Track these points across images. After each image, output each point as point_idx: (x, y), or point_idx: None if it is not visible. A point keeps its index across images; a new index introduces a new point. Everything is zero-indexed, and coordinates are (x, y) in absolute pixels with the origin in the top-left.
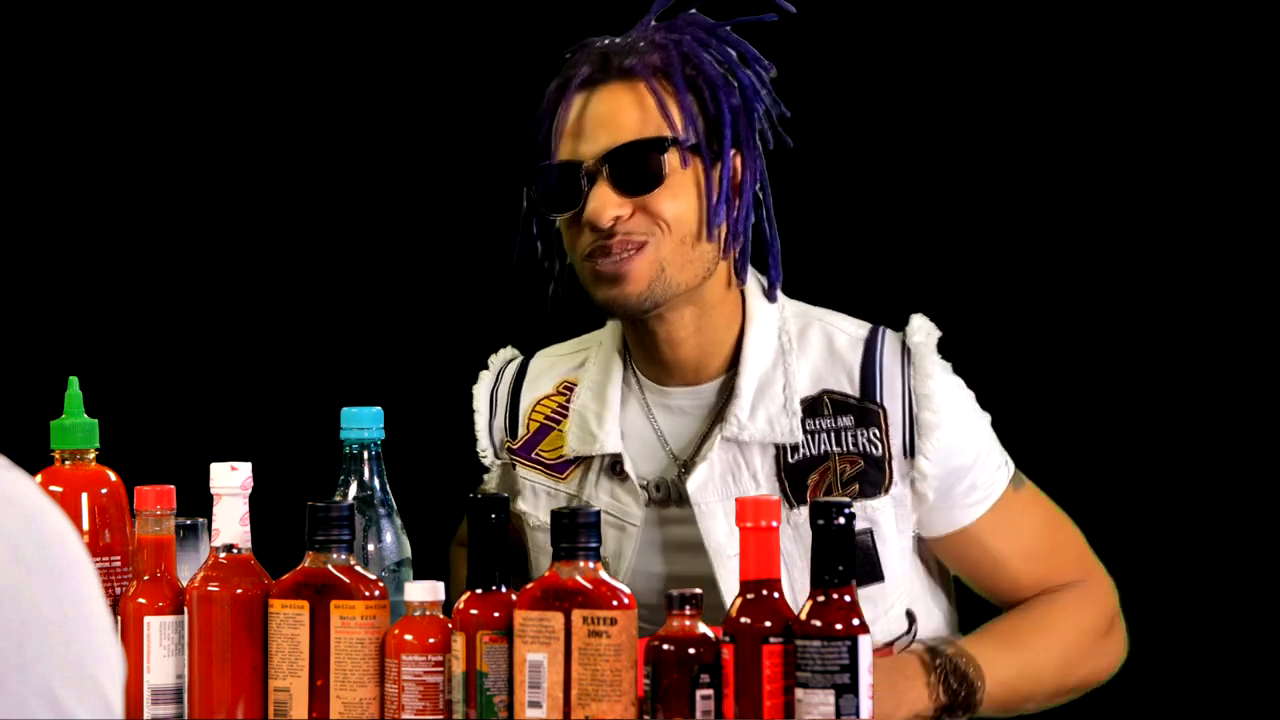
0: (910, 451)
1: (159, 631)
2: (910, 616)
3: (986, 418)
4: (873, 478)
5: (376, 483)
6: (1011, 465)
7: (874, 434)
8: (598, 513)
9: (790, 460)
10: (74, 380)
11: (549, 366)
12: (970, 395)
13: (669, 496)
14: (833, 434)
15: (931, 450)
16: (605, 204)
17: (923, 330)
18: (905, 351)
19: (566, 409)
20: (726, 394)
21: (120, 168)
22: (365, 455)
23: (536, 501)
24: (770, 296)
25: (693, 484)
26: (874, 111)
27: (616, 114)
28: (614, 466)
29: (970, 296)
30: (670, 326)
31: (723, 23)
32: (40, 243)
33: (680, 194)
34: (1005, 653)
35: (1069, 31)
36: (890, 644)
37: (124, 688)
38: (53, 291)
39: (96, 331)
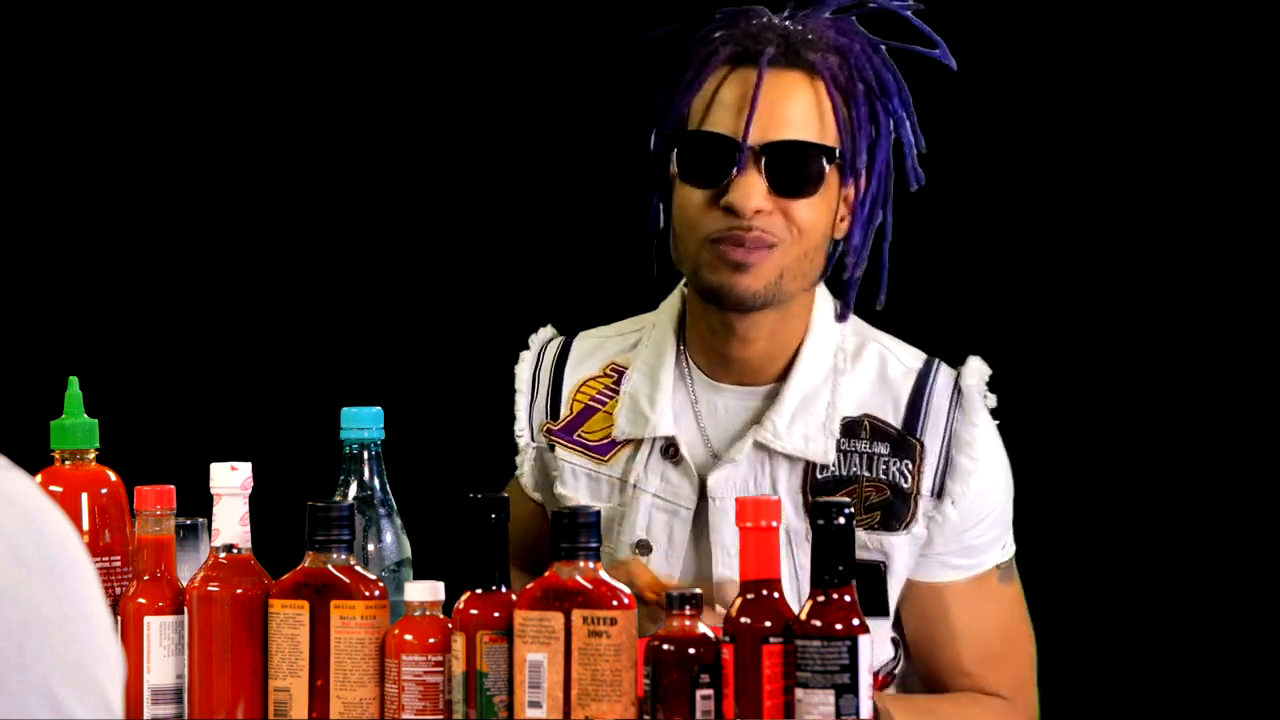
0: (939, 492)
1: (159, 631)
2: (895, 643)
3: (1011, 493)
4: (897, 510)
5: (376, 483)
6: (1010, 552)
7: (906, 467)
8: (598, 512)
9: (818, 477)
10: (74, 380)
11: (595, 347)
12: (1006, 460)
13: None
14: (866, 458)
15: (959, 496)
16: (753, 193)
17: (978, 374)
18: (956, 391)
19: (614, 391)
20: (771, 400)
21: (120, 168)
22: (365, 455)
23: (577, 485)
24: (841, 317)
25: (714, 479)
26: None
27: (791, 106)
28: (667, 449)
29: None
30: (751, 324)
31: (882, 41)
32: (40, 243)
33: (823, 204)
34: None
35: (1055, 27)
36: (877, 671)
37: (124, 688)
38: (53, 291)
39: (96, 331)
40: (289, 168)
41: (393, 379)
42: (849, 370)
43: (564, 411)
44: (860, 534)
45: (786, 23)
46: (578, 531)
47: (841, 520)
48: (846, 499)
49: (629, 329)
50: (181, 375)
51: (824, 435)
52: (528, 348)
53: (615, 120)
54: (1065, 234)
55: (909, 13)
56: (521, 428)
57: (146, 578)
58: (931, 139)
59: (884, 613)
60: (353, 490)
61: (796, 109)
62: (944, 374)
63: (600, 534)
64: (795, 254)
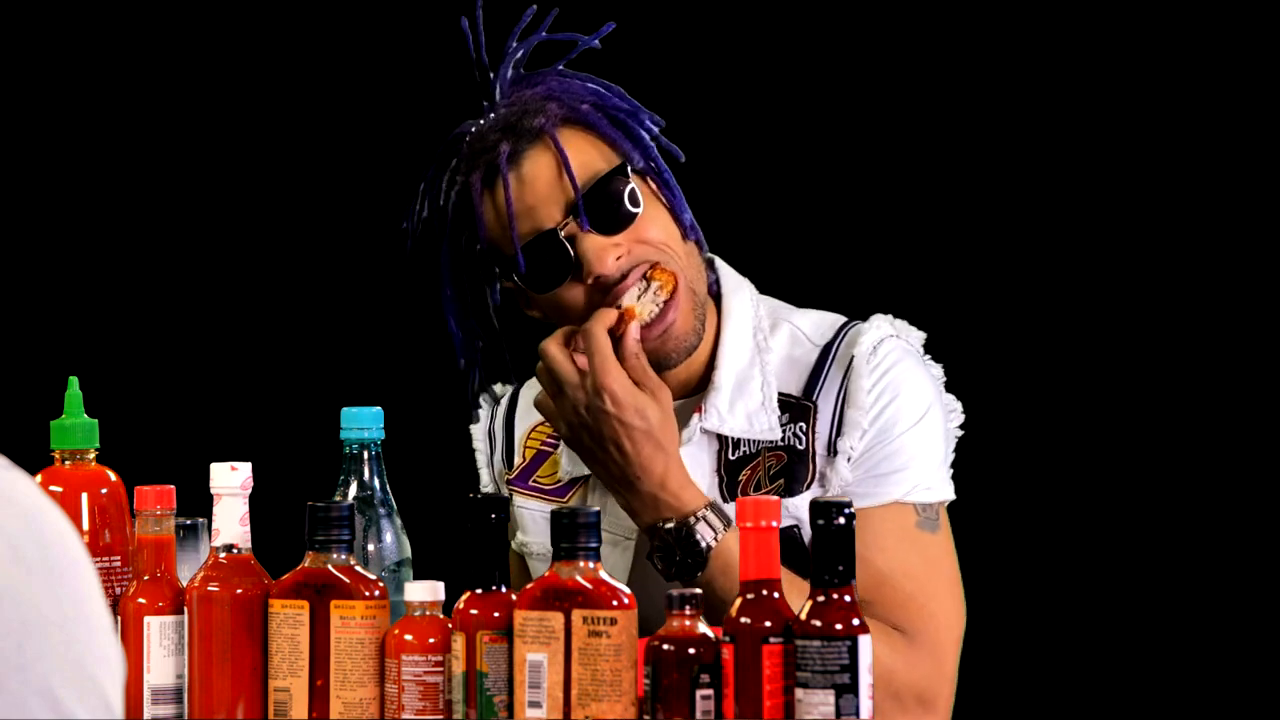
0: (833, 449)
1: (159, 631)
2: None
3: (934, 433)
4: (797, 473)
5: (376, 483)
6: (932, 497)
7: (800, 428)
8: (597, 512)
9: (730, 456)
10: (74, 380)
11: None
12: (917, 397)
13: None
14: (776, 439)
15: (850, 449)
16: (601, 249)
17: (875, 331)
18: (851, 354)
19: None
20: (704, 390)
21: (120, 168)
22: (365, 455)
23: (536, 529)
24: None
25: None
26: (863, 106)
27: (556, 170)
28: None
29: (960, 294)
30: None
31: (555, 65)
32: (40, 243)
33: (657, 213)
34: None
35: (1052, 26)
36: None
37: (124, 688)
38: (53, 291)
39: (96, 331)
40: (289, 168)
41: (393, 379)
42: (769, 349)
43: (517, 459)
44: None
45: (492, 115)
46: (578, 531)
47: (841, 520)
48: (847, 499)
49: None
50: (181, 375)
51: (765, 413)
52: (480, 406)
53: None
54: (1049, 224)
55: (545, 36)
56: (486, 483)
57: (146, 578)
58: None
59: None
60: (353, 490)
61: (560, 166)
62: (850, 336)
63: (600, 534)
64: (680, 266)
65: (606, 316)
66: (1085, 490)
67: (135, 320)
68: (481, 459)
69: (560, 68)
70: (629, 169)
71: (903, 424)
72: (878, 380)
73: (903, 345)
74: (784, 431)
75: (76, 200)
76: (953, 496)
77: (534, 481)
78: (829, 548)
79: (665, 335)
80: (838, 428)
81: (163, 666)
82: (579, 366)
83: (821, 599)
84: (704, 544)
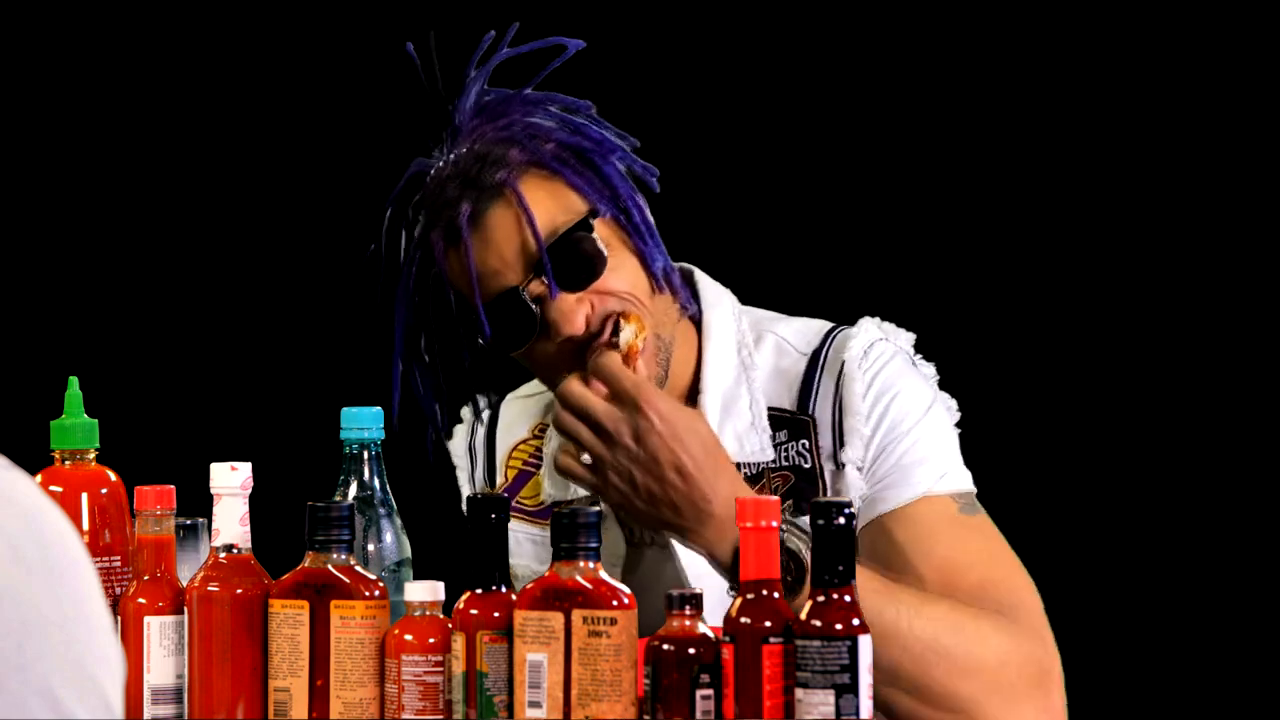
0: (838, 462)
1: (159, 631)
2: None
3: (938, 424)
4: (805, 492)
5: (376, 483)
6: (958, 486)
7: (803, 446)
8: (598, 512)
9: None
10: (74, 380)
11: (521, 410)
12: (916, 395)
13: (642, 538)
14: (768, 460)
15: (856, 458)
16: (568, 309)
17: (863, 336)
18: (842, 362)
19: (540, 455)
20: None
21: (120, 168)
22: (365, 455)
23: (520, 550)
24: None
25: None
26: (845, 107)
27: (519, 227)
28: (593, 503)
29: (956, 297)
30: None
31: (519, 91)
32: (40, 243)
33: (623, 261)
34: (885, 595)
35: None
36: None
37: (124, 688)
38: (53, 291)
39: (96, 331)
40: (289, 170)
41: (393, 379)
42: (755, 365)
43: (500, 479)
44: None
45: (450, 157)
46: (577, 531)
47: (841, 520)
48: (846, 499)
49: (542, 388)
50: (181, 375)
51: (756, 433)
52: (460, 421)
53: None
54: (1046, 225)
55: (507, 53)
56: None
57: (146, 578)
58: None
59: None
60: (353, 490)
61: (525, 223)
62: (837, 342)
63: (600, 534)
64: (645, 310)
65: (612, 357)
66: (1080, 487)
67: (135, 320)
68: (463, 475)
69: (526, 93)
70: (594, 217)
71: (910, 418)
72: (871, 383)
73: (892, 347)
74: (786, 450)
75: (76, 200)
76: (973, 487)
77: (517, 503)
78: (829, 548)
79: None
80: (839, 439)
81: (163, 666)
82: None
83: (821, 599)
84: (801, 553)
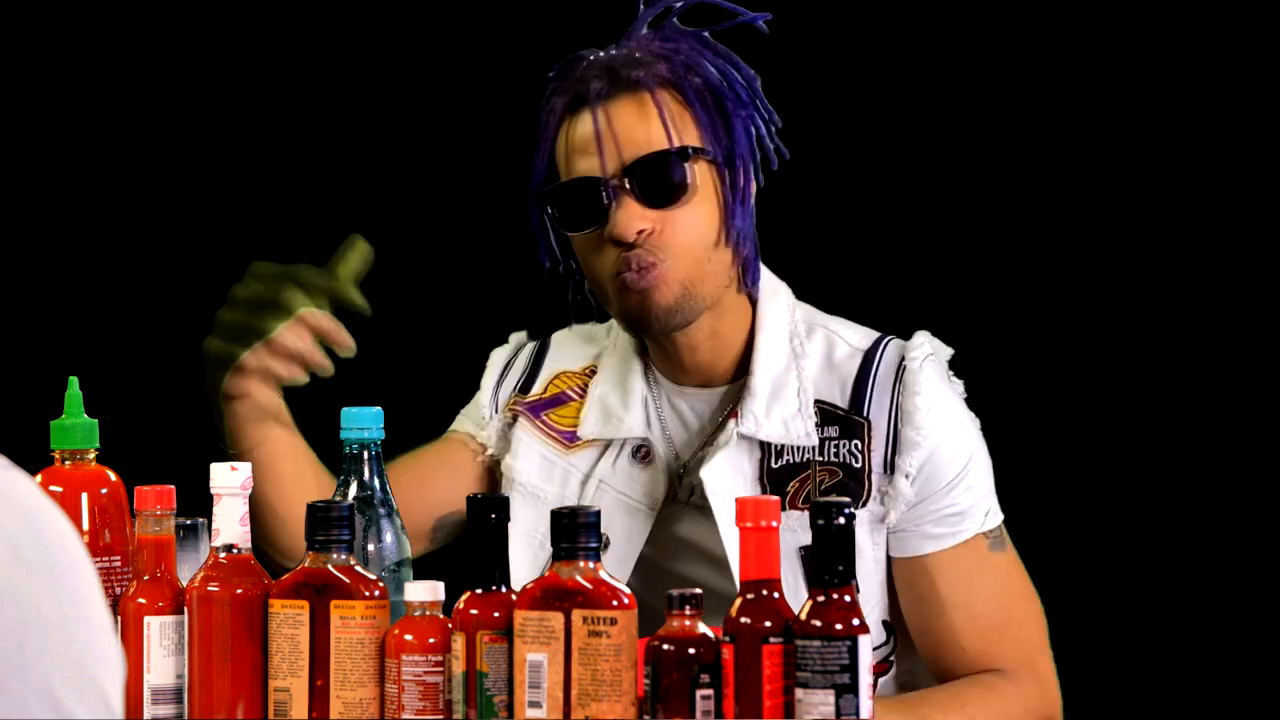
0: (890, 468)
1: (159, 631)
2: (888, 628)
3: (984, 458)
4: (851, 490)
5: (376, 483)
6: (996, 520)
7: (856, 446)
8: (597, 512)
9: (774, 465)
10: (74, 380)
11: (576, 345)
12: (969, 426)
13: (668, 495)
14: (813, 445)
15: (908, 469)
16: (632, 217)
17: (923, 347)
18: (901, 367)
19: (583, 391)
20: (735, 396)
21: (120, 168)
22: (365, 455)
23: (529, 462)
24: (750, 288)
25: (708, 471)
26: (890, 116)
27: (633, 127)
28: (637, 451)
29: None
30: (689, 334)
31: (704, 29)
32: (40, 242)
33: (702, 204)
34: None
35: (1073, 36)
36: None
37: (124, 688)
38: (53, 291)
39: (96, 331)
40: (288, 168)
41: (393, 379)
42: (805, 355)
43: (536, 390)
44: None
45: (611, 51)
46: (577, 531)
47: (841, 520)
48: (846, 499)
49: (600, 333)
50: (181, 375)
51: (802, 419)
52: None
53: None
54: (1054, 222)
55: None
56: (484, 405)
57: (146, 578)
58: (921, 129)
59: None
60: (353, 490)
61: (640, 128)
62: (891, 350)
63: (600, 534)
64: (689, 262)
65: None
66: (1091, 499)
67: (135, 320)
68: (489, 379)
69: (705, 34)
70: (698, 155)
71: (963, 457)
72: (933, 405)
73: (945, 369)
74: (836, 447)
75: (76, 200)
76: (1002, 516)
77: (546, 416)
78: (829, 548)
79: (643, 299)
80: (894, 444)
81: (163, 666)
82: None
83: (821, 599)
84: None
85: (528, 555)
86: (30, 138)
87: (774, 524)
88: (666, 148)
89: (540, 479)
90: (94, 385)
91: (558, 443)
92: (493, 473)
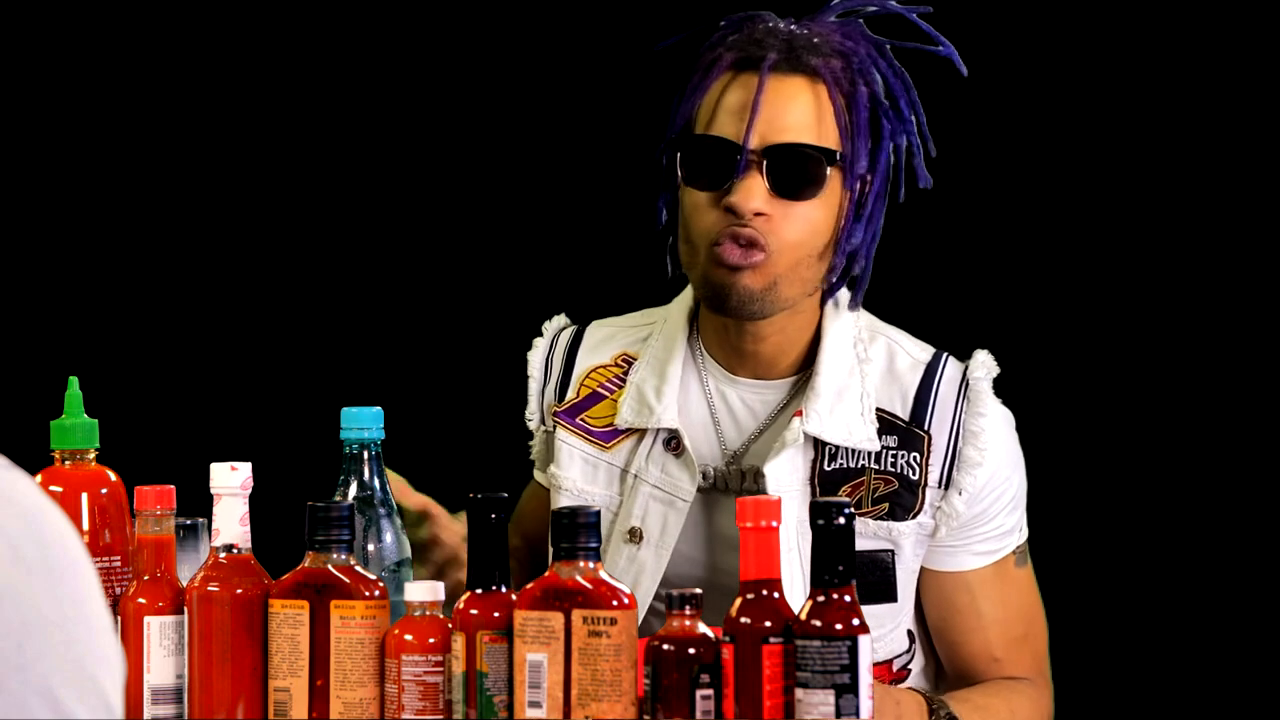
0: (946, 484)
1: (159, 631)
2: (911, 636)
3: (1024, 479)
4: (905, 501)
5: (376, 483)
6: (1025, 535)
7: (914, 459)
8: (597, 512)
9: (826, 467)
10: (74, 380)
11: (608, 337)
12: (1019, 447)
13: (715, 485)
14: (874, 451)
15: (967, 487)
16: (754, 195)
17: (984, 366)
18: (964, 384)
19: (621, 381)
20: (794, 393)
21: (120, 168)
22: (365, 455)
23: (571, 466)
24: (851, 307)
25: (772, 467)
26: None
27: (792, 110)
28: (669, 441)
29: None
30: (760, 326)
31: (889, 41)
32: (40, 242)
33: (823, 208)
34: (976, 718)
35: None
36: (889, 661)
37: (124, 688)
38: (53, 291)
39: (96, 331)
40: (289, 168)
41: (393, 379)
42: (869, 360)
43: (570, 395)
44: (870, 524)
45: (792, 27)
46: (578, 531)
47: (841, 520)
48: (846, 499)
49: (641, 321)
50: (181, 375)
51: (864, 424)
52: (541, 334)
53: (610, 122)
54: (1077, 231)
55: (915, 15)
56: (532, 412)
57: (146, 578)
58: (943, 136)
59: (893, 598)
60: (353, 490)
61: (797, 113)
62: (952, 366)
63: (600, 534)
64: (791, 260)
65: None
66: (1094, 486)
67: (135, 320)
68: (534, 386)
69: (885, 44)
70: (839, 161)
71: (1014, 481)
72: (997, 428)
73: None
74: (895, 457)
75: (76, 200)
76: (1027, 532)
77: (582, 419)
78: (829, 548)
79: (732, 276)
80: (953, 461)
81: (163, 666)
82: None
83: (821, 599)
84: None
85: None
86: (30, 138)
87: (774, 524)
88: (812, 143)
89: (585, 481)
90: (94, 385)
91: (596, 443)
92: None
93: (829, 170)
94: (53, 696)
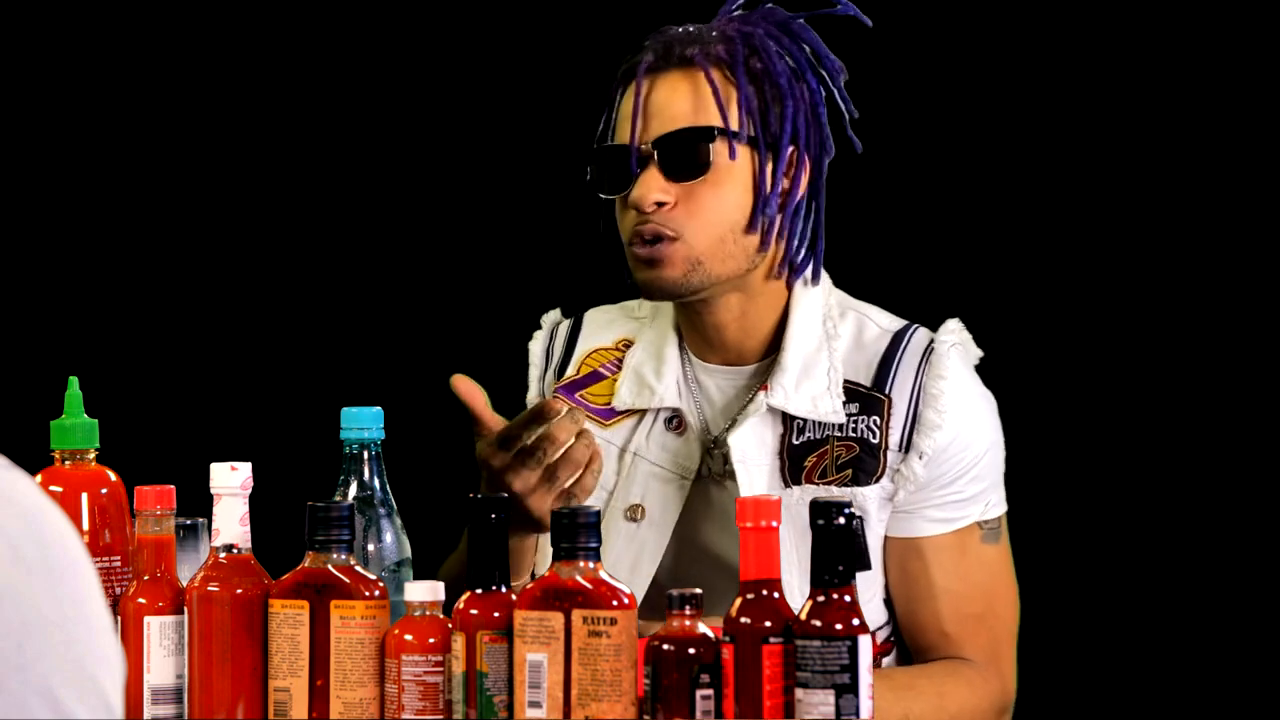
0: (906, 447)
1: (159, 631)
2: (889, 605)
3: (999, 449)
4: (867, 465)
5: (376, 483)
6: (996, 512)
7: (874, 422)
8: (597, 513)
9: (795, 441)
10: (74, 380)
11: (609, 321)
12: (988, 416)
13: (700, 471)
14: (840, 423)
15: (926, 449)
16: (650, 188)
17: (953, 333)
18: (929, 349)
19: (620, 364)
20: (762, 375)
21: (120, 168)
22: (365, 455)
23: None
24: (788, 284)
25: (735, 438)
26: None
27: (672, 102)
28: (671, 420)
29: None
30: (715, 311)
31: (797, 15)
32: (40, 242)
33: (725, 184)
34: (894, 696)
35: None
36: (873, 633)
37: (124, 688)
38: (53, 291)
39: (96, 331)
40: (289, 168)
41: (393, 379)
42: (837, 336)
43: (570, 372)
44: (834, 490)
45: (690, 28)
46: (577, 531)
47: (841, 520)
48: (846, 499)
49: (637, 309)
50: (181, 375)
51: (830, 398)
52: (539, 327)
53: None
54: (1063, 219)
55: None
56: (533, 396)
57: (146, 578)
58: (931, 121)
59: (868, 566)
60: (353, 490)
61: (679, 103)
62: (920, 335)
63: (600, 534)
64: (709, 239)
65: None
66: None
67: (135, 320)
68: (534, 373)
69: (788, 18)
70: (727, 136)
71: (979, 446)
72: (957, 390)
73: (971, 358)
74: (855, 423)
75: (76, 200)
76: (1005, 508)
77: (581, 396)
78: (829, 548)
79: (649, 269)
80: (913, 424)
81: (163, 666)
82: None
83: (821, 599)
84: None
85: None
86: (30, 137)
87: (774, 524)
88: (694, 125)
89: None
90: (94, 385)
91: (594, 420)
92: None
93: (717, 146)
94: (53, 696)
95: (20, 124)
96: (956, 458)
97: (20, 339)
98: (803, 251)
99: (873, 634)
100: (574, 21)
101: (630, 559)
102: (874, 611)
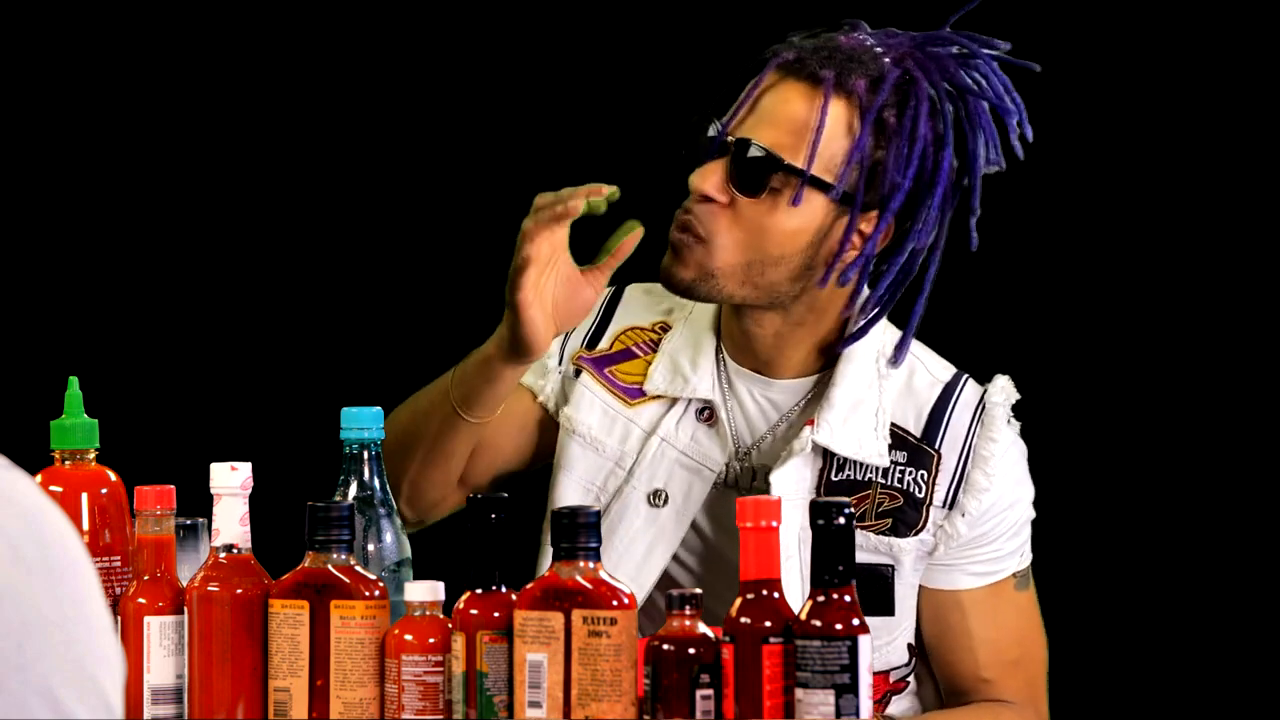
0: (950, 504)
1: (159, 631)
2: (911, 650)
3: (1030, 500)
4: (908, 518)
5: (376, 483)
6: (1027, 560)
7: (922, 476)
8: (597, 513)
9: (834, 477)
10: (74, 380)
11: (649, 304)
12: (1028, 478)
13: (726, 479)
14: (883, 466)
15: (971, 510)
16: (708, 180)
17: (1003, 392)
18: (980, 407)
19: (655, 345)
20: (807, 400)
21: (120, 168)
22: (365, 455)
23: (591, 414)
24: (892, 363)
25: (778, 476)
26: None
27: (777, 113)
28: (702, 412)
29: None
30: (748, 320)
31: (985, 53)
32: (40, 242)
33: (780, 216)
34: None
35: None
36: (887, 672)
37: (124, 688)
38: (53, 291)
39: (96, 331)
40: (289, 168)
41: (393, 379)
42: (888, 376)
43: (603, 345)
44: (871, 537)
45: (850, 37)
46: (577, 531)
47: (841, 520)
48: (846, 499)
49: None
50: (181, 375)
51: (876, 440)
52: None
53: (608, 124)
54: (1089, 251)
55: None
56: (552, 353)
57: (146, 578)
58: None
59: (890, 612)
60: (353, 490)
61: (782, 119)
62: (970, 389)
63: (600, 534)
64: (733, 259)
65: None
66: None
67: (135, 320)
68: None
69: (968, 84)
70: (800, 179)
71: (1020, 508)
72: (1008, 453)
73: (1015, 422)
74: (902, 473)
75: (76, 200)
76: (1031, 557)
77: (610, 372)
78: (829, 548)
79: (670, 256)
80: (961, 483)
81: (163, 666)
82: None
83: (821, 599)
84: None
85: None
86: (30, 137)
87: (774, 524)
88: (775, 149)
89: (601, 431)
90: (94, 385)
91: (622, 399)
92: (546, 424)
93: (777, 182)
94: (53, 696)
95: (20, 124)
96: (999, 517)
97: (20, 339)
98: (871, 310)
99: (887, 673)
100: (574, 21)
101: (646, 542)
102: (894, 653)
